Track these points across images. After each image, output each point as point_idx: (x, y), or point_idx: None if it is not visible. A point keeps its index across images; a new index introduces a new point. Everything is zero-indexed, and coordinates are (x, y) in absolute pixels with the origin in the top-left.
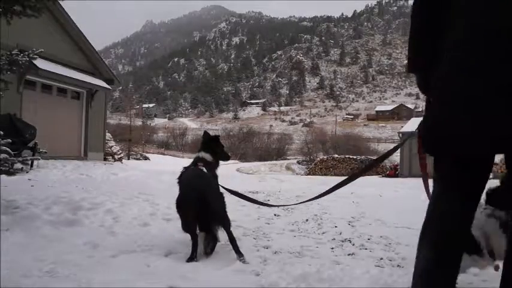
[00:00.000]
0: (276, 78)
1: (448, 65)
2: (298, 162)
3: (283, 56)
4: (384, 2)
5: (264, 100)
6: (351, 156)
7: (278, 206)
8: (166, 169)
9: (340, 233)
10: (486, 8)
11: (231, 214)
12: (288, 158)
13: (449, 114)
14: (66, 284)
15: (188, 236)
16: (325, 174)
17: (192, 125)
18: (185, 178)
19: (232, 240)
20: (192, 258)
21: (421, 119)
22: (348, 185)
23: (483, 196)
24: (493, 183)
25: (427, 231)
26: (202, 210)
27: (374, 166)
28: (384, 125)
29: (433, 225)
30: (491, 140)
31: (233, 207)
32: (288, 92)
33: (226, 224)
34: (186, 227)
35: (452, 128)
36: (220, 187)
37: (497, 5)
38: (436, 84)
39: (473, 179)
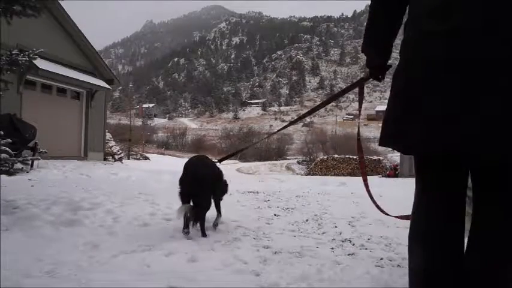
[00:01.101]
0: (276, 78)
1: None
2: (298, 162)
3: (283, 56)
4: None
5: (264, 100)
6: (351, 156)
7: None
8: (166, 169)
9: (340, 233)
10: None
11: (231, 214)
12: (288, 158)
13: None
14: (66, 284)
15: (187, 236)
16: (326, 174)
17: (192, 125)
18: (189, 161)
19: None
20: (183, 230)
21: None
22: (348, 185)
23: None
24: None
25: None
26: (194, 188)
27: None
28: None
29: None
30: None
31: (233, 207)
32: (288, 92)
33: (201, 202)
34: (181, 200)
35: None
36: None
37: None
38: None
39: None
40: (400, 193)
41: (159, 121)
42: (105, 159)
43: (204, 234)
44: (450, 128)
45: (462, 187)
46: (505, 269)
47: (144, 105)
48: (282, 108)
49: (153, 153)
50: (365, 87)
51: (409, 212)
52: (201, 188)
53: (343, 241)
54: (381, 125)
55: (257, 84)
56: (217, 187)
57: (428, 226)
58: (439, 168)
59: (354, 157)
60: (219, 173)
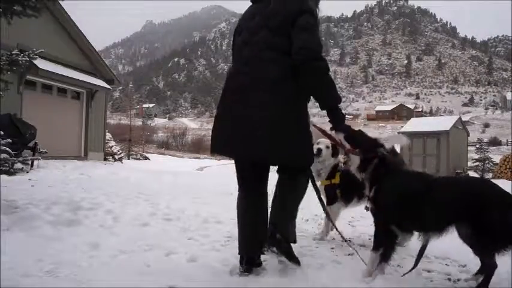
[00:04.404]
0: None
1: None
2: None
3: None
4: (383, 2)
5: None
6: None
7: None
8: (166, 169)
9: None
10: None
11: (231, 214)
12: None
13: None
14: (66, 284)
15: (187, 236)
16: None
17: (192, 125)
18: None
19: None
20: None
21: (420, 119)
22: None
23: None
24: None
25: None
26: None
27: None
28: (383, 125)
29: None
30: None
31: (234, 207)
32: None
33: None
34: None
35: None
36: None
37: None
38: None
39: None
40: None
41: (159, 121)
42: (105, 159)
43: None
44: (221, 138)
45: (257, 177)
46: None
47: (144, 105)
48: None
49: (153, 153)
50: (365, 87)
51: None
52: None
53: (343, 241)
54: (380, 125)
55: None
56: None
57: (240, 196)
58: (240, 165)
59: None
60: None
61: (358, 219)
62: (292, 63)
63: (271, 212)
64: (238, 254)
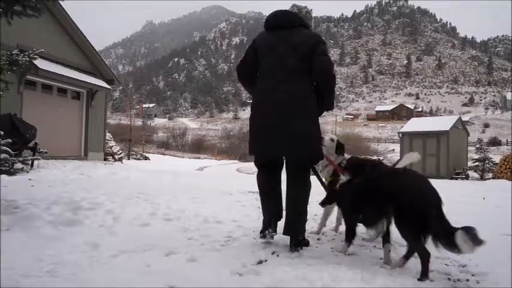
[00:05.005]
0: None
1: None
2: None
3: None
4: (383, 2)
5: None
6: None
7: None
8: (166, 169)
9: (340, 233)
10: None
11: (231, 214)
12: None
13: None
14: (66, 284)
15: (187, 236)
16: None
17: (192, 125)
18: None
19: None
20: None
21: (420, 119)
22: None
23: None
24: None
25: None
26: None
27: None
28: (383, 125)
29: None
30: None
31: (233, 207)
32: None
33: None
34: None
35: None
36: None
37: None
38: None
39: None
40: None
41: (159, 121)
42: (105, 159)
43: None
44: (260, 144)
45: (274, 169)
46: (294, 195)
47: (144, 105)
48: None
49: (153, 153)
50: (365, 87)
51: None
52: None
53: (343, 241)
54: (380, 124)
55: None
56: None
57: (261, 184)
58: (263, 162)
59: None
60: None
61: None
62: (313, 79)
63: (287, 212)
64: (265, 221)
